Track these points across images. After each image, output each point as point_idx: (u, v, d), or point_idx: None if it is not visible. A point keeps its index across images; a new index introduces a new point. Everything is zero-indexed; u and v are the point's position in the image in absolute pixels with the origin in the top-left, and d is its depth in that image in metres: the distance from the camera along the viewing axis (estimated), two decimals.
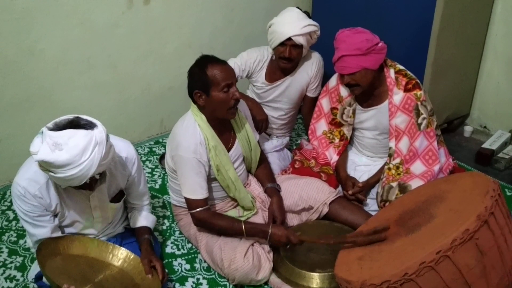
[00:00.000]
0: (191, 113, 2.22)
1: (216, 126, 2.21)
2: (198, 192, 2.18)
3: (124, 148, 2.00)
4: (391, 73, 2.43)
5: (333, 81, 2.63)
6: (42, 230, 1.87)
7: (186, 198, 2.21)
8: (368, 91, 2.46)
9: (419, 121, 2.41)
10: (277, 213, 2.30)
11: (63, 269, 1.86)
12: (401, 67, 2.47)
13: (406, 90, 2.40)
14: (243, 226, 2.16)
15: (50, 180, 1.81)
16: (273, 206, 2.32)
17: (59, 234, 1.93)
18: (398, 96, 2.41)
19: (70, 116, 1.72)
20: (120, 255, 2.03)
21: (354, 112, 2.58)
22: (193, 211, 2.20)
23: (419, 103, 2.40)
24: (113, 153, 1.78)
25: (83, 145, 1.63)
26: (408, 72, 2.47)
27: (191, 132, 2.17)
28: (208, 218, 2.20)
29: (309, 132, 2.77)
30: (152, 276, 1.95)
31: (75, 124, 1.69)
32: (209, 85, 2.10)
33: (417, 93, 2.40)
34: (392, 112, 2.44)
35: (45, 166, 1.66)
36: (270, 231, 2.14)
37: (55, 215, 1.91)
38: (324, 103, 2.69)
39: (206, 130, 2.17)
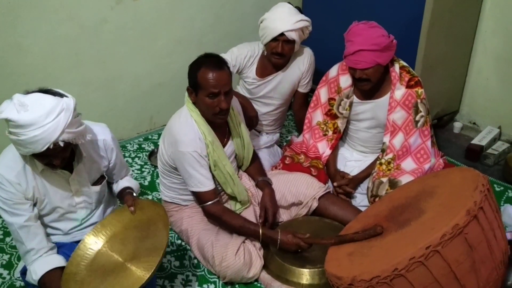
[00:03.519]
0: (186, 109, 2.20)
1: (211, 122, 2.20)
2: (206, 183, 2.17)
3: (101, 131, 2.00)
4: (395, 68, 2.43)
5: (334, 71, 2.60)
6: (19, 218, 1.85)
7: (195, 193, 2.21)
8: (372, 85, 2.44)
9: (417, 118, 2.42)
10: (269, 204, 2.30)
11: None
12: (405, 63, 2.48)
13: (408, 86, 2.41)
14: (260, 232, 2.15)
15: (27, 166, 1.81)
16: (265, 198, 2.32)
17: (37, 224, 1.89)
18: (399, 91, 2.42)
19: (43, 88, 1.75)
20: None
21: (350, 105, 2.56)
22: (204, 205, 2.19)
23: (419, 100, 2.41)
24: (83, 129, 1.77)
25: (49, 107, 1.65)
26: (411, 69, 2.47)
27: (189, 127, 2.16)
28: (221, 214, 2.19)
29: (306, 121, 2.74)
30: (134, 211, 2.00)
31: (45, 91, 1.73)
32: (198, 87, 2.11)
33: (418, 90, 2.41)
34: (392, 107, 2.44)
35: (9, 126, 1.66)
36: (279, 240, 2.13)
37: (34, 204, 1.89)
38: (322, 93, 2.67)
39: (202, 125, 2.17)
